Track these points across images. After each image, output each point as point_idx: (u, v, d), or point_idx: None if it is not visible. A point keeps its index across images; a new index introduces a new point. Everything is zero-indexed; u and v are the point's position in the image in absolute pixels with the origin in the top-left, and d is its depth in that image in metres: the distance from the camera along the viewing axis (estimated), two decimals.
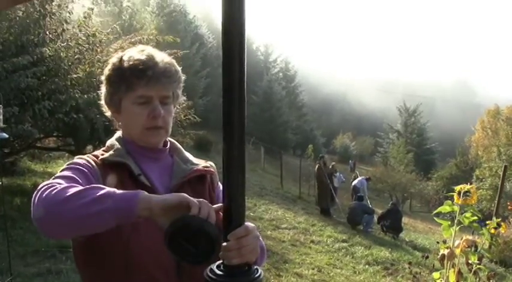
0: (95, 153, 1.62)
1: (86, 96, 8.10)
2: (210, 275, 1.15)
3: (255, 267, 1.21)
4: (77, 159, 1.55)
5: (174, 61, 1.64)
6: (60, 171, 1.45)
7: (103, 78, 1.63)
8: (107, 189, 1.24)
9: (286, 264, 8.11)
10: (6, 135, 5.62)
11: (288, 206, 14.28)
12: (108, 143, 1.66)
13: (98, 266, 1.49)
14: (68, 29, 8.63)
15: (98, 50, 9.05)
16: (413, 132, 52.85)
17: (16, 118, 6.89)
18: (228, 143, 1.12)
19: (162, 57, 1.59)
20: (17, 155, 10.26)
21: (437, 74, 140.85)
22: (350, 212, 13.16)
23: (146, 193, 1.24)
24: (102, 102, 1.65)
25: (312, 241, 10.32)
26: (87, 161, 1.54)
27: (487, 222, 2.94)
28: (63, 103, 7.73)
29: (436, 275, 2.99)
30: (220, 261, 1.19)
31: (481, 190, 25.51)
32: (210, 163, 1.78)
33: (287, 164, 23.46)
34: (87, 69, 8.75)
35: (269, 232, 10.37)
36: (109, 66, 1.61)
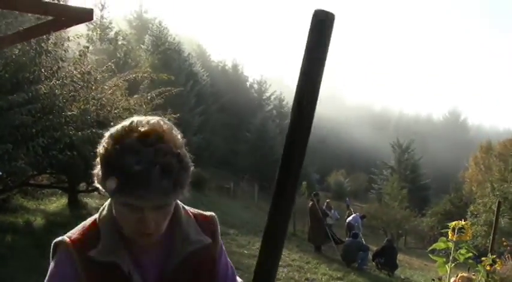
0: (86, 234, 1.43)
1: (80, 133, 8.12)
2: None
3: None
4: (57, 260, 1.41)
5: (182, 156, 1.30)
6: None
7: (99, 147, 1.32)
8: None
9: None
10: (0, 172, 5.60)
11: None
12: (101, 214, 1.46)
13: None
14: (63, 67, 8.71)
15: (93, 87, 9.13)
16: (407, 169, 52.97)
17: (10, 155, 6.87)
18: (276, 211, 1.13)
19: (163, 160, 1.24)
20: (10, 192, 10.18)
21: (429, 110, 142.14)
22: (345, 249, 13.07)
23: None
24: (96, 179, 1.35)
25: (307, 279, 10.21)
26: (68, 263, 1.39)
27: (483, 258, 2.93)
28: (58, 140, 7.74)
29: None
30: None
31: (475, 226, 25.43)
32: (211, 217, 1.64)
33: None
34: (82, 107, 8.79)
35: None
36: (103, 147, 1.30)
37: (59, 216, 10.50)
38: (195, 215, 1.60)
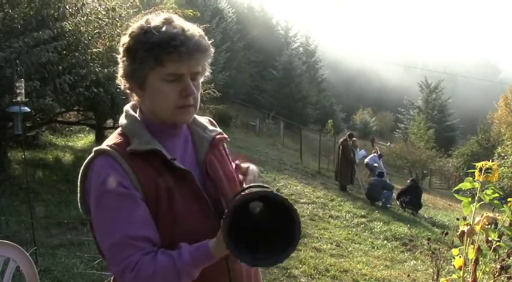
0: (117, 141, 1.47)
1: (106, 70, 8.15)
2: None
3: None
4: (104, 166, 1.41)
5: (203, 33, 1.51)
6: (105, 202, 1.39)
7: (121, 49, 1.49)
8: (183, 259, 1.33)
9: (305, 239, 8.15)
10: (28, 109, 5.68)
11: (307, 180, 14.28)
12: (123, 124, 1.53)
13: None
14: (87, 3, 8.63)
15: (118, 24, 9.06)
16: (435, 109, 52.15)
17: (37, 92, 6.95)
18: None
19: (193, 30, 1.46)
20: (39, 128, 10.38)
21: (459, 50, 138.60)
22: (369, 187, 13.11)
23: (211, 242, 1.35)
24: (121, 75, 1.51)
25: (331, 216, 10.34)
26: (117, 163, 1.41)
27: (509, 199, 2.90)
28: (84, 77, 7.78)
29: (455, 251, 2.98)
30: None
31: (502, 167, 25.22)
32: (212, 122, 1.76)
33: (306, 138, 23.42)
34: (107, 44, 8.77)
35: None
36: (130, 38, 1.47)
37: (87, 153, 10.68)
38: None
